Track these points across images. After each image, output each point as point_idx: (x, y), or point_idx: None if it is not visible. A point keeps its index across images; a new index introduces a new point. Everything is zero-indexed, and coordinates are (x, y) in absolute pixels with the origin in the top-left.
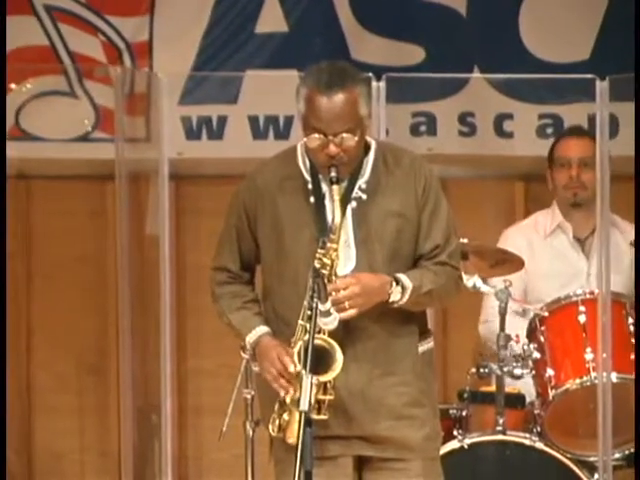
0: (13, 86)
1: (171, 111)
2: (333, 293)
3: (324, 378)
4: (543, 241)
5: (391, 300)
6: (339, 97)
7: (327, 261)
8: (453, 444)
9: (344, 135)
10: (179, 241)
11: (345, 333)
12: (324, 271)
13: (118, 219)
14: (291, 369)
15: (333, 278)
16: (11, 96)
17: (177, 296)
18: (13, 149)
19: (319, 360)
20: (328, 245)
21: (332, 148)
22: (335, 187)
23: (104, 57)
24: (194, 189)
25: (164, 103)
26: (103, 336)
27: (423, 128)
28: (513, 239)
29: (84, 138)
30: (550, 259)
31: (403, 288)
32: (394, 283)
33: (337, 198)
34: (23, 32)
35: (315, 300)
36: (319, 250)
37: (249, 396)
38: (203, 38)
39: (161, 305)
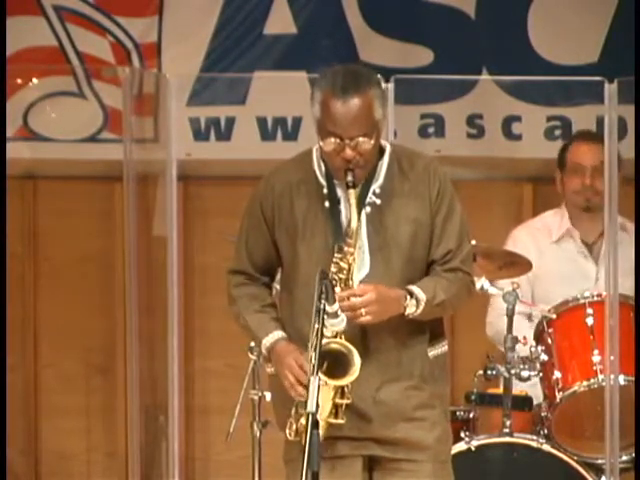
0: (19, 81)
1: (179, 112)
2: (352, 299)
3: (342, 382)
4: (551, 244)
5: (407, 313)
6: (354, 101)
7: (344, 265)
8: (460, 446)
9: (360, 139)
10: (187, 242)
11: (355, 337)
12: (341, 275)
13: (126, 220)
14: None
15: (350, 282)
16: (20, 96)
17: (184, 296)
18: (21, 149)
19: (336, 364)
20: (345, 249)
21: (348, 152)
22: (352, 191)
23: (112, 58)
24: (202, 190)
25: (172, 104)
26: (110, 336)
27: (431, 130)
28: (522, 241)
29: (92, 139)
30: (559, 262)
31: (417, 300)
32: (408, 296)
33: (353, 202)
34: (32, 32)
35: (322, 301)
36: (336, 254)
37: (256, 397)
38: (211, 39)
39: (168, 305)
